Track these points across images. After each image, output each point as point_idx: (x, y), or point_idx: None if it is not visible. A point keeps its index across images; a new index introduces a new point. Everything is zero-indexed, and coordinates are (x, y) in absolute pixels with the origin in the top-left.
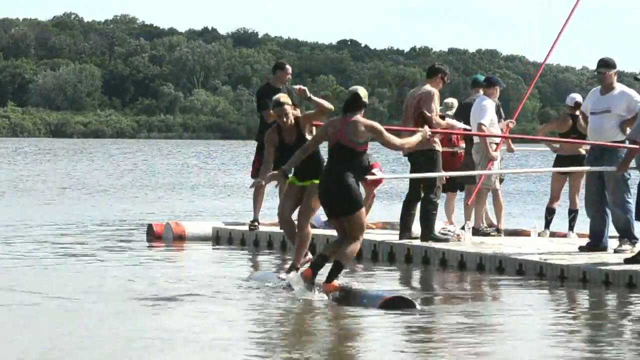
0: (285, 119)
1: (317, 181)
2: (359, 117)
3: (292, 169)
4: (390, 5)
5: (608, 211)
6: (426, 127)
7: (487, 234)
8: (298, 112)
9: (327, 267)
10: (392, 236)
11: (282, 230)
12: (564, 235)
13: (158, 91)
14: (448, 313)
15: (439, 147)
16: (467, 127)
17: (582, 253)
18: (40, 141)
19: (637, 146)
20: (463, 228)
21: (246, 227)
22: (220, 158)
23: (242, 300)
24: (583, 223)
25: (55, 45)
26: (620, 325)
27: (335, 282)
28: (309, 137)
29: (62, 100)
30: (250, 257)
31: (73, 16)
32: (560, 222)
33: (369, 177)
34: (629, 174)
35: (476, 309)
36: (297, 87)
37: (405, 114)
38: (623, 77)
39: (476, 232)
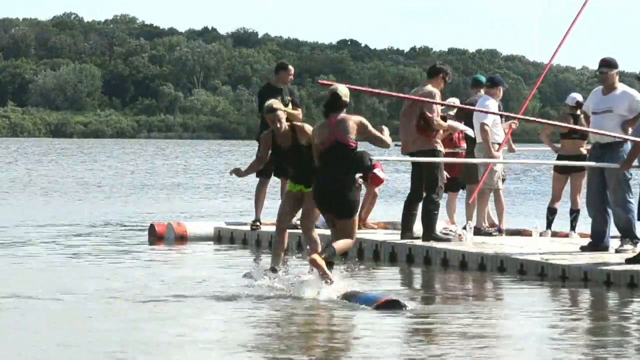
0: (278, 125)
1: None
2: (344, 115)
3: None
4: (390, 5)
5: (609, 211)
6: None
7: (489, 234)
8: (299, 112)
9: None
10: (394, 236)
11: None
12: (566, 235)
13: (158, 91)
14: (448, 313)
15: (440, 148)
16: (468, 128)
17: (583, 253)
18: (40, 141)
19: None
20: (465, 228)
21: (248, 227)
22: (222, 158)
23: (241, 301)
24: (585, 223)
25: (55, 45)
26: (621, 325)
27: (323, 263)
28: (303, 142)
29: (62, 100)
30: (252, 257)
31: (73, 16)
32: (561, 222)
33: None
34: (631, 174)
35: (477, 309)
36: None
37: (406, 113)
38: (624, 77)
39: (478, 232)
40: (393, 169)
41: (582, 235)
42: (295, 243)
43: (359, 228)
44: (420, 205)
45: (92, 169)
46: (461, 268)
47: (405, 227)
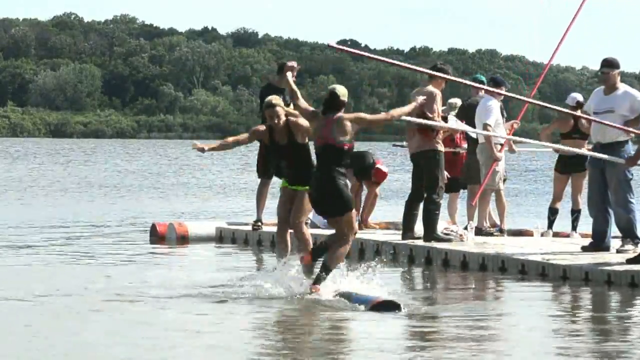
0: (276, 121)
1: (307, 187)
2: (341, 115)
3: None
4: (390, 5)
5: (611, 211)
6: (421, 98)
7: (490, 234)
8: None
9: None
10: (395, 236)
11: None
12: (567, 235)
13: (158, 91)
14: (449, 313)
15: (441, 148)
16: (469, 127)
17: (584, 253)
18: (41, 141)
19: None
20: (466, 228)
21: (249, 227)
22: (223, 158)
23: (239, 301)
24: (586, 223)
25: (56, 45)
26: (622, 325)
27: (320, 289)
28: (300, 139)
29: (62, 100)
30: (254, 257)
31: (73, 16)
32: (563, 222)
33: (379, 166)
34: (632, 174)
35: (478, 309)
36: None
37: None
38: (624, 78)
39: (479, 232)
40: (394, 169)
41: (584, 236)
42: (297, 243)
43: (360, 228)
44: (422, 205)
45: (93, 169)
46: (462, 268)
47: (407, 228)
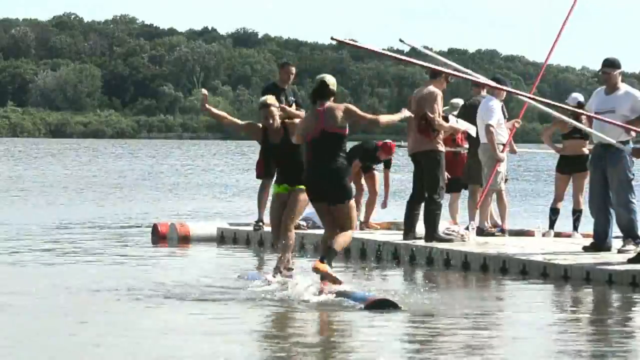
0: (271, 121)
1: (300, 187)
2: (330, 104)
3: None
4: (390, 5)
5: (612, 211)
6: (405, 110)
7: (492, 234)
8: (302, 113)
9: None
10: (397, 236)
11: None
12: (569, 236)
13: (158, 91)
14: (450, 314)
15: (442, 148)
16: (471, 126)
17: (585, 253)
18: (41, 141)
19: None
20: (467, 228)
21: (251, 228)
22: (224, 158)
23: (238, 301)
24: (588, 223)
25: (56, 45)
26: (624, 325)
27: (329, 269)
28: (294, 140)
29: (62, 100)
30: (255, 257)
31: (73, 16)
32: (564, 223)
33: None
34: (633, 175)
35: (479, 310)
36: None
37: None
38: (624, 78)
39: (480, 232)
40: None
41: (585, 236)
42: (299, 243)
43: (361, 229)
44: (423, 205)
45: (93, 169)
46: (464, 268)
47: (408, 228)
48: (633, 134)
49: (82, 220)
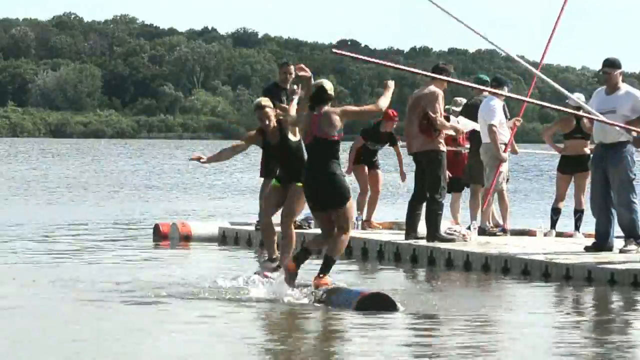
0: (267, 122)
1: (299, 184)
2: (327, 108)
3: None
4: (390, 5)
5: (613, 211)
6: (387, 82)
7: (493, 234)
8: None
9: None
10: (398, 236)
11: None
12: (570, 235)
13: (158, 91)
14: (452, 314)
15: (443, 148)
16: (474, 124)
17: (587, 253)
18: (41, 141)
19: None
20: (469, 228)
21: (252, 228)
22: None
23: (237, 301)
24: (589, 223)
25: (56, 45)
26: (625, 325)
27: (328, 279)
28: (292, 137)
29: (62, 100)
30: (256, 257)
31: (73, 16)
32: (566, 222)
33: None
34: (634, 174)
35: (481, 309)
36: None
37: (409, 114)
38: (624, 78)
39: (482, 232)
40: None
41: (587, 236)
42: (300, 243)
43: (363, 228)
44: (425, 205)
45: (94, 169)
46: (465, 268)
47: (410, 228)
48: (634, 134)
49: (83, 220)
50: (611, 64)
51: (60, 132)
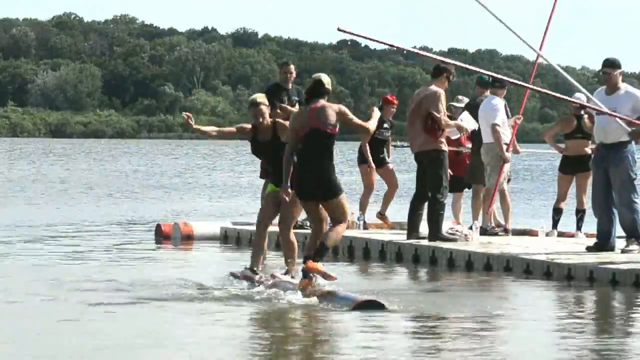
0: (261, 119)
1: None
2: (325, 102)
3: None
4: (390, 5)
5: (615, 211)
6: (374, 110)
7: (495, 234)
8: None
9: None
10: (400, 236)
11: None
12: (572, 235)
13: (158, 91)
14: (453, 313)
15: (445, 147)
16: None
17: (589, 253)
18: (41, 141)
19: None
20: (471, 228)
21: (254, 227)
22: (226, 158)
23: (236, 301)
24: (591, 223)
25: (56, 45)
26: (627, 325)
27: (320, 266)
28: (283, 139)
29: (62, 100)
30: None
31: (73, 16)
32: (567, 222)
33: None
34: (635, 174)
35: (482, 309)
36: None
37: (411, 114)
38: (624, 78)
39: (484, 232)
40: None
41: (588, 236)
42: (301, 243)
43: (365, 228)
44: (426, 205)
45: (94, 169)
46: (467, 268)
47: (412, 227)
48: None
49: (85, 220)
50: (611, 64)
51: (60, 132)
